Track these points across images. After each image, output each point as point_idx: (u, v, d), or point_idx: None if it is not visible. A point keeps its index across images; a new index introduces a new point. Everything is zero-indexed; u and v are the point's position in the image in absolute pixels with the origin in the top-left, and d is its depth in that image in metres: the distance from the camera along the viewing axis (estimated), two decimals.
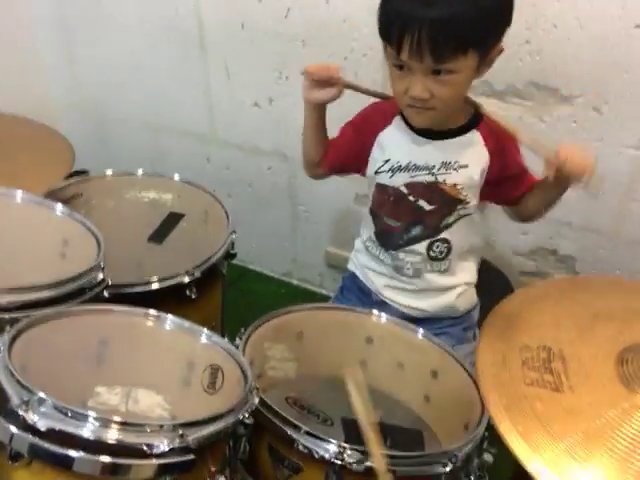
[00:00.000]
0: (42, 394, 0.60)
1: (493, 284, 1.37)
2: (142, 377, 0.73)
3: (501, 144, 1.03)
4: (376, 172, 1.07)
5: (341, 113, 1.12)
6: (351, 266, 1.23)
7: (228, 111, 1.72)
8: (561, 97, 1.28)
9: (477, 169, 1.02)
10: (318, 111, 1.10)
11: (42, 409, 0.59)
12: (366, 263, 1.17)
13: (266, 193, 1.80)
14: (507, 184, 1.06)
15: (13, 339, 0.68)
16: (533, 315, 0.77)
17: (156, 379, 0.74)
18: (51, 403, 0.59)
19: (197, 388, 0.74)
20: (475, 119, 1.03)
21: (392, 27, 0.89)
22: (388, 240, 1.11)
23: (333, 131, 1.15)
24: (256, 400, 0.72)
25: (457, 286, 1.12)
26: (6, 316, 0.75)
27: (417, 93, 0.92)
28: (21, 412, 0.58)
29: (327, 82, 1.04)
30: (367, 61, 1.44)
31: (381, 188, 1.08)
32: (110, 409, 0.65)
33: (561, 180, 0.94)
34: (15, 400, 0.60)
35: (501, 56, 0.97)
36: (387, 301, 1.14)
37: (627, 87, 1.21)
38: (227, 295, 1.35)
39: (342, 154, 1.13)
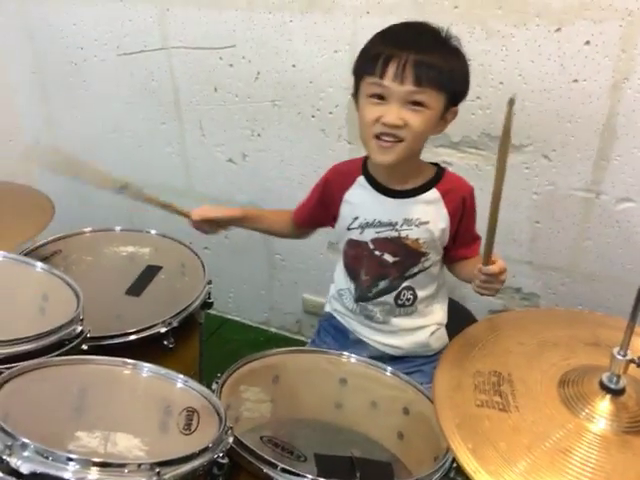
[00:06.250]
0: (25, 439, 0.62)
1: (462, 324, 1.42)
2: (120, 422, 0.76)
3: (459, 205, 1.10)
4: (348, 229, 1.14)
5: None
6: (328, 308, 1.28)
7: (204, 167, 1.80)
8: (513, 146, 1.38)
9: (438, 226, 1.09)
10: (241, 226, 1.26)
11: (25, 453, 0.62)
12: (339, 309, 1.23)
13: (242, 243, 1.86)
14: (458, 243, 1.13)
15: None
16: (487, 345, 0.84)
17: (134, 424, 0.77)
18: (33, 447, 0.62)
19: (174, 431, 0.77)
20: (435, 179, 1.10)
21: (379, 55, 0.97)
22: (359, 293, 1.17)
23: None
24: (230, 439, 0.76)
25: (428, 326, 1.18)
26: None
27: (391, 120, 0.97)
28: (5, 457, 0.61)
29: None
30: (333, 118, 1.53)
31: (353, 243, 1.14)
32: (89, 451, 0.67)
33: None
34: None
35: None
36: (364, 339, 1.19)
37: (571, 135, 1.32)
38: (207, 345, 1.38)
39: (311, 214, 1.22)
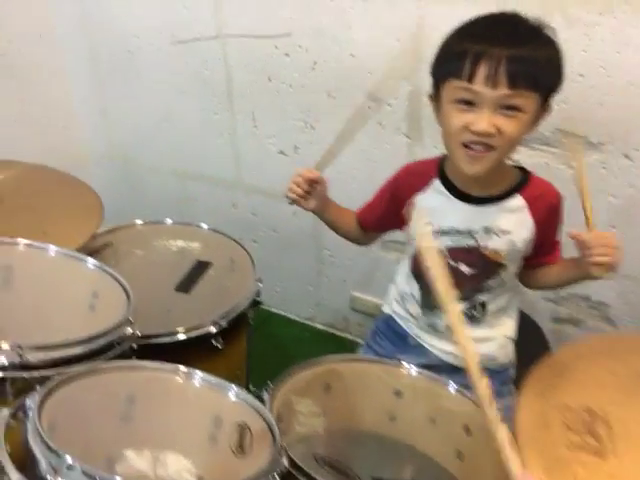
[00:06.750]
0: (70, 460, 0.59)
1: (524, 330, 1.34)
2: (169, 437, 0.72)
3: (547, 212, 1.01)
4: (419, 234, 1.06)
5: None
6: (387, 309, 1.21)
7: (254, 159, 1.75)
8: (589, 144, 1.27)
9: (521, 235, 1.01)
10: (321, 214, 1.16)
11: (71, 474, 0.58)
12: (400, 312, 1.16)
13: (291, 238, 1.81)
14: (540, 252, 1.05)
15: (43, 399, 0.68)
16: (575, 374, 0.74)
17: (183, 439, 0.73)
18: (80, 469, 0.59)
19: (224, 448, 0.73)
20: (519, 185, 1.01)
21: (466, 53, 0.86)
22: (425, 300, 1.10)
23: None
24: (285, 462, 0.71)
25: (496, 338, 1.10)
26: (36, 374, 0.76)
27: (483, 128, 0.87)
28: (50, 477, 0.58)
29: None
30: (391, 110, 1.46)
31: None
32: (138, 475, 0.64)
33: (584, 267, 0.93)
34: (44, 465, 0.59)
35: None
36: (425, 345, 1.12)
37: None
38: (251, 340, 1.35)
39: (377, 215, 1.15)
